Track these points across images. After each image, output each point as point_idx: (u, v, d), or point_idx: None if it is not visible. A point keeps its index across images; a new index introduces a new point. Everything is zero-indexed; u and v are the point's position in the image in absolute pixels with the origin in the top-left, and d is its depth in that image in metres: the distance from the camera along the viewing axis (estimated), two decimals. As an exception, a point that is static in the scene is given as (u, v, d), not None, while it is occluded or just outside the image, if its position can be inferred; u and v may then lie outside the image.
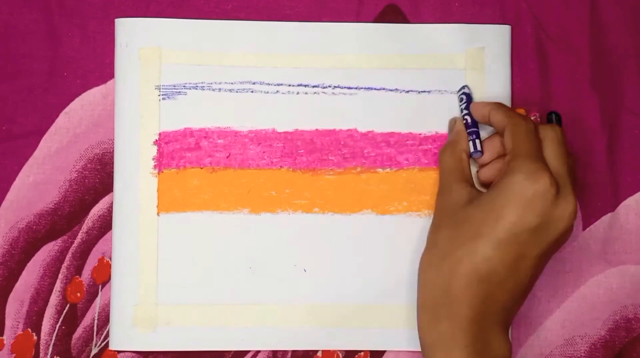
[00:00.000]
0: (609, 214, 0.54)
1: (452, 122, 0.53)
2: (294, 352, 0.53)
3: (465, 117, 0.51)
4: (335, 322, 0.53)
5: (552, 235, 0.45)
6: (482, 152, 0.50)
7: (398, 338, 0.53)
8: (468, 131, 0.51)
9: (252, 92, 0.54)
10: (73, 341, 0.53)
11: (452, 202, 0.48)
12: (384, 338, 0.53)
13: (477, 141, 0.50)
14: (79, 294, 0.54)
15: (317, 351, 0.53)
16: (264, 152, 0.54)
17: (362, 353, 0.53)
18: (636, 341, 0.53)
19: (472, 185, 0.49)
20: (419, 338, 0.47)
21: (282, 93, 0.54)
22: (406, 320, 0.53)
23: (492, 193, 0.46)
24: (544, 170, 0.45)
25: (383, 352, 0.53)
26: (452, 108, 0.54)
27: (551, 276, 0.53)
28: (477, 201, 0.46)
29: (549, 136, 0.47)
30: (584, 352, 0.53)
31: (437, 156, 0.53)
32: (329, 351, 0.53)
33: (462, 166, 0.50)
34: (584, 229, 0.54)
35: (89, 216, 0.54)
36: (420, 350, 0.52)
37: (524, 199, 0.44)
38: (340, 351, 0.53)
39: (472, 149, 0.50)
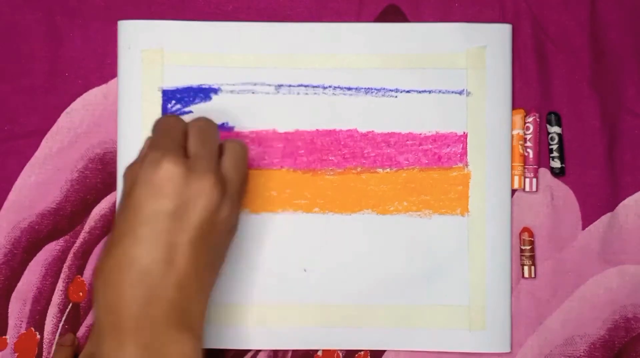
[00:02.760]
0: (608, 214, 0.54)
1: (144, 143, 0.49)
2: (294, 351, 0.53)
3: None
4: (335, 322, 0.53)
5: (195, 216, 0.43)
6: None
7: (398, 338, 0.53)
8: None
9: (253, 93, 0.54)
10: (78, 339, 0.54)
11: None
12: (384, 337, 0.53)
13: None
14: (81, 293, 0.54)
15: (317, 351, 0.53)
16: (264, 152, 0.54)
17: (362, 352, 0.53)
18: (635, 341, 0.53)
19: None
20: None
21: (283, 94, 0.54)
22: (406, 319, 0.53)
23: (130, 192, 0.43)
24: (167, 154, 0.43)
25: (383, 351, 0.53)
26: (453, 108, 0.54)
27: (551, 276, 0.54)
28: (123, 200, 0.44)
29: (192, 127, 0.46)
30: (584, 352, 0.53)
31: (435, 156, 0.53)
32: (329, 351, 0.53)
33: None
34: (583, 229, 0.54)
35: (90, 216, 0.54)
36: (420, 349, 0.53)
37: (152, 185, 0.42)
38: (340, 350, 0.53)
39: None
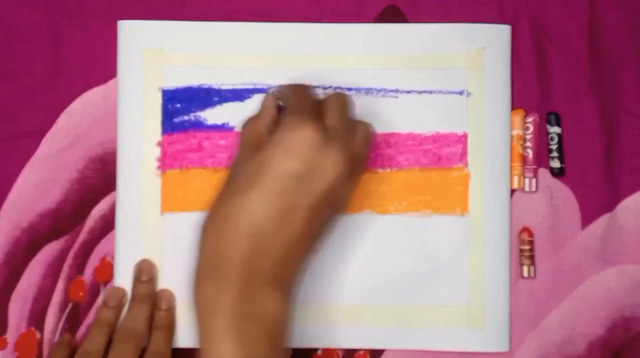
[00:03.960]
0: (607, 215, 0.54)
1: (264, 98, 0.51)
2: (294, 350, 0.53)
3: None
4: (334, 321, 0.53)
5: (320, 185, 0.44)
6: None
7: (397, 337, 0.53)
8: None
9: (253, 93, 0.54)
10: (76, 339, 0.54)
11: (237, 169, 0.46)
12: (384, 337, 0.53)
13: None
14: (81, 293, 0.54)
15: (316, 350, 0.53)
16: (265, 153, 0.54)
17: (361, 352, 0.54)
18: (634, 340, 0.53)
19: None
20: (193, 307, 0.44)
21: (283, 94, 0.54)
22: (405, 319, 0.53)
23: (262, 150, 0.45)
24: (307, 120, 0.44)
25: (382, 350, 0.53)
26: (453, 108, 0.54)
27: (550, 275, 0.54)
28: (252, 158, 0.45)
29: (331, 101, 0.48)
30: (583, 351, 0.53)
31: (435, 156, 0.53)
32: (328, 350, 0.53)
33: (260, 139, 0.48)
34: (582, 229, 0.54)
35: (90, 216, 0.54)
36: (419, 348, 0.53)
37: (287, 146, 0.44)
38: (339, 350, 0.54)
39: None
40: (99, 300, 0.54)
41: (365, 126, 0.49)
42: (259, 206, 0.43)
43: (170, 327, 0.52)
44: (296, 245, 0.44)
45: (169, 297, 0.53)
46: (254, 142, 0.47)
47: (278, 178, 0.43)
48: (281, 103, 0.50)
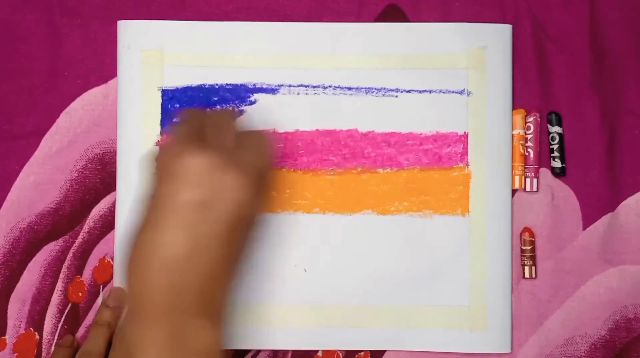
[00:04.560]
0: (609, 215, 0.54)
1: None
2: (294, 351, 0.53)
3: None
4: (335, 322, 0.53)
5: (226, 209, 0.42)
6: None
7: (398, 338, 0.53)
8: None
9: (252, 93, 0.54)
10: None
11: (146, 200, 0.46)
12: (384, 338, 0.53)
13: None
14: (80, 294, 0.54)
15: (317, 351, 0.53)
16: (264, 152, 0.54)
17: (362, 353, 0.53)
18: (636, 341, 0.53)
19: None
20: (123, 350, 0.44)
21: (283, 94, 0.54)
22: (406, 319, 0.53)
23: (162, 180, 0.43)
24: (202, 146, 0.43)
25: (383, 351, 0.53)
26: (454, 108, 0.54)
27: (551, 276, 0.53)
28: (155, 189, 0.44)
29: (212, 120, 0.47)
30: (584, 352, 0.53)
31: (436, 156, 0.53)
32: (329, 351, 0.53)
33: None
34: (584, 229, 0.54)
35: (90, 216, 0.54)
36: (420, 349, 0.52)
37: (185, 175, 0.42)
38: (340, 351, 0.53)
39: None
40: (99, 300, 0.54)
41: (257, 135, 0.47)
42: (171, 240, 0.42)
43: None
44: (217, 272, 0.44)
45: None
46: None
47: (178, 210, 0.42)
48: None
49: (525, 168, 0.54)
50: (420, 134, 0.54)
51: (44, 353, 0.53)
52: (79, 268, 0.54)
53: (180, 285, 0.42)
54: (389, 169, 0.54)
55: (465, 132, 0.54)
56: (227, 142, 0.45)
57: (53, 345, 0.53)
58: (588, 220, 0.54)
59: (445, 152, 0.54)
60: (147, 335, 0.42)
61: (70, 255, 0.54)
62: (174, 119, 0.48)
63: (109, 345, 0.51)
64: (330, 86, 0.54)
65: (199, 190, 0.42)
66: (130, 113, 0.54)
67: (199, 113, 0.48)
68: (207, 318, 0.43)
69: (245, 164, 0.44)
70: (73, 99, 0.55)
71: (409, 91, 0.54)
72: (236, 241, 0.45)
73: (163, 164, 0.44)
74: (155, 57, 0.54)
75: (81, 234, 0.54)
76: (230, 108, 0.48)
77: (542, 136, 0.54)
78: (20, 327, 0.53)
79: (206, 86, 0.54)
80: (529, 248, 0.53)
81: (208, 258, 0.43)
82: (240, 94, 0.54)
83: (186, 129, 0.45)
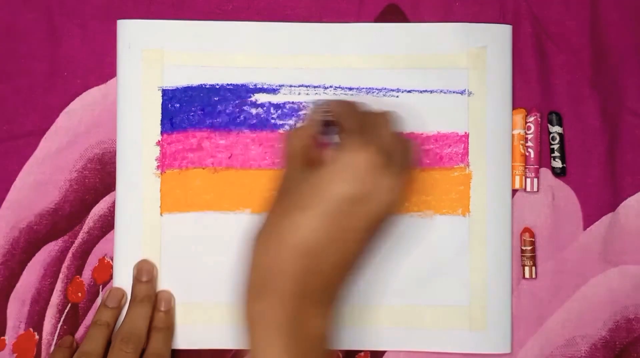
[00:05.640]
0: (609, 215, 0.54)
1: (311, 110, 0.52)
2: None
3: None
4: (335, 322, 0.53)
5: (377, 208, 0.44)
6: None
7: (399, 338, 0.53)
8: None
9: (253, 93, 0.54)
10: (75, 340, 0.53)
11: (291, 184, 0.47)
12: (385, 338, 0.53)
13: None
14: (80, 294, 0.54)
15: (318, 351, 0.53)
16: (265, 153, 0.54)
17: (362, 353, 0.53)
18: (637, 341, 0.53)
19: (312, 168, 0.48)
20: (242, 320, 0.45)
21: (284, 94, 0.54)
22: (407, 319, 0.53)
23: (321, 169, 0.45)
24: (368, 143, 0.44)
25: (383, 352, 0.53)
26: (454, 108, 0.54)
27: (551, 276, 0.53)
28: (308, 177, 0.45)
29: (380, 119, 0.48)
30: (585, 352, 0.53)
31: (437, 156, 0.53)
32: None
33: (309, 152, 0.49)
34: (584, 229, 0.54)
35: (89, 216, 0.54)
36: (420, 350, 0.52)
37: (348, 170, 0.44)
38: (340, 351, 0.53)
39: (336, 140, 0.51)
40: (98, 300, 0.54)
41: (412, 144, 0.48)
42: (315, 227, 0.43)
43: (169, 328, 0.52)
44: (348, 264, 0.45)
45: (168, 298, 0.53)
46: (302, 155, 0.48)
47: (335, 201, 0.43)
48: (329, 118, 0.50)
49: (525, 168, 0.54)
50: (421, 134, 0.54)
51: (43, 354, 0.53)
52: (78, 268, 0.54)
53: (313, 270, 0.43)
54: (389, 169, 0.54)
55: (466, 133, 0.54)
56: (385, 144, 0.46)
57: (52, 345, 0.53)
58: (588, 220, 0.54)
59: (446, 152, 0.54)
60: (269, 314, 0.43)
61: (69, 255, 0.54)
62: (319, 103, 0.50)
63: (108, 345, 0.50)
64: (331, 86, 0.54)
65: (356, 185, 0.43)
66: (130, 113, 0.54)
67: (357, 109, 0.49)
68: (325, 305, 0.45)
69: (399, 167, 0.45)
70: (72, 99, 0.54)
71: (409, 91, 0.54)
72: (369, 239, 0.46)
73: (312, 151, 0.47)
74: (155, 57, 0.54)
75: (81, 234, 0.54)
76: (387, 110, 0.48)
77: (543, 136, 0.54)
78: (19, 327, 0.53)
79: (207, 86, 0.54)
80: (529, 248, 0.53)
81: (344, 250, 0.44)
82: (240, 94, 0.54)
83: (360, 126, 0.47)
